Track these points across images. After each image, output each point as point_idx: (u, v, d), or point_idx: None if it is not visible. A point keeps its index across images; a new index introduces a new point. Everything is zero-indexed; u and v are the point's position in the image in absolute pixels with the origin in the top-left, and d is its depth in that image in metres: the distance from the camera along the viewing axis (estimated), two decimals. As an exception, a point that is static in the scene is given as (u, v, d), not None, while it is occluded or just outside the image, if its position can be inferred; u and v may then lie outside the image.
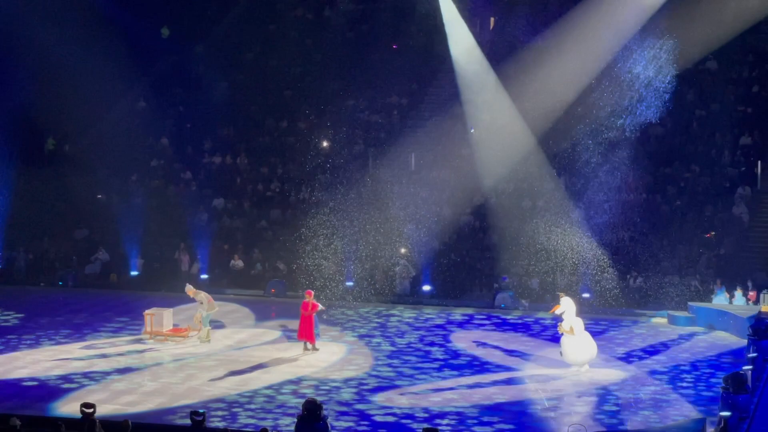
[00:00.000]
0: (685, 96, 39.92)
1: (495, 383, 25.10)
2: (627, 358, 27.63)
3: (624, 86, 37.93)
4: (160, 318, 28.95)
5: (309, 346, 27.55)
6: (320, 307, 27.79)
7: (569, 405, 23.44)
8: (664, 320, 32.16)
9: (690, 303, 32.47)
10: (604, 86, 38.35)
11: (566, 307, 25.90)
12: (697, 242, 35.92)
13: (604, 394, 24.25)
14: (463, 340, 29.68)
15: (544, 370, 26.24)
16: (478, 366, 26.72)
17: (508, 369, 26.47)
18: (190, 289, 28.96)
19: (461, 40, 41.03)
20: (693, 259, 35.46)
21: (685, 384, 25.18)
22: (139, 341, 28.88)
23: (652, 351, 28.51)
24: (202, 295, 28.81)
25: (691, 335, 30.49)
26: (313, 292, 28.10)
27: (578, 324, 25.77)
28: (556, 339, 29.73)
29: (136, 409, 22.27)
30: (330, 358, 27.28)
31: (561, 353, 26.05)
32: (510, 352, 28.20)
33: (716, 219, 36.65)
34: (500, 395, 24.10)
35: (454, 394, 24.20)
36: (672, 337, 30.17)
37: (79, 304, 34.14)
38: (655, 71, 37.80)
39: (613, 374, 25.92)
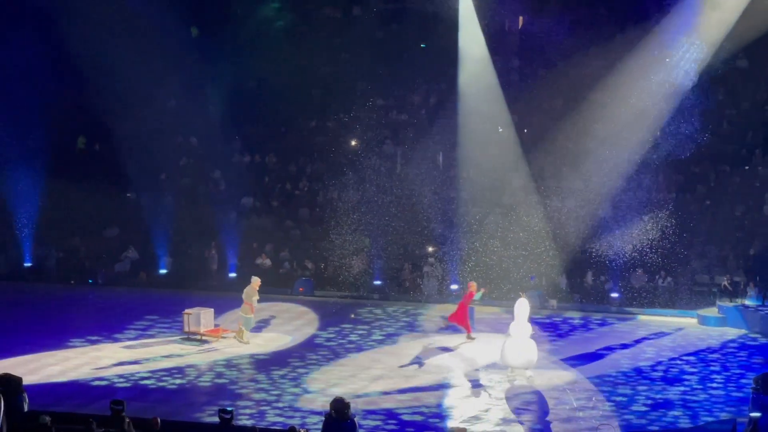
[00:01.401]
0: (715, 95, 39.64)
1: (523, 383, 25.01)
2: (656, 357, 27.51)
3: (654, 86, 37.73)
4: (197, 317, 28.80)
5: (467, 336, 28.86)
6: (476, 295, 28.84)
7: (597, 404, 23.34)
8: (661, 318, 32.10)
9: (720, 303, 32.31)
10: (636, 85, 38.16)
11: (524, 309, 25.54)
12: (727, 242, 35.70)
13: (633, 395, 24.14)
14: (490, 339, 29.59)
15: (571, 370, 26.15)
16: (504, 365, 26.62)
17: (537, 367, 26.38)
18: (257, 282, 28.74)
19: (473, 40, 40.76)
20: (723, 259, 35.26)
21: (714, 384, 25.04)
22: (188, 340, 28.80)
23: (681, 351, 28.36)
24: (256, 298, 28.59)
25: (722, 335, 30.33)
26: (475, 284, 29.15)
27: (527, 329, 25.28)
28: (585, 339, 29.75)
29: (165, 407, 22.32)
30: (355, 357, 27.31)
31: (501, 355, 25.51)
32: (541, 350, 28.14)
33: (746, 219, 36.42)
34: (528, 395, 24.02)
35: (480, 392, 24.14)
36: (701, 337, 30.01)
37: (124, 303, 34.25)
38: (685, 70, 37.57)
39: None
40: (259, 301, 28.70)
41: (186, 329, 28.94)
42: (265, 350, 28.03)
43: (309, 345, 28.68)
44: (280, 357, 27.29)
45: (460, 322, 28.92)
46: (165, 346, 28.34)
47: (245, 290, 28.64)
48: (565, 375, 25.77)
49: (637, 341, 29.25)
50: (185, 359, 27.06)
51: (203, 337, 28.66)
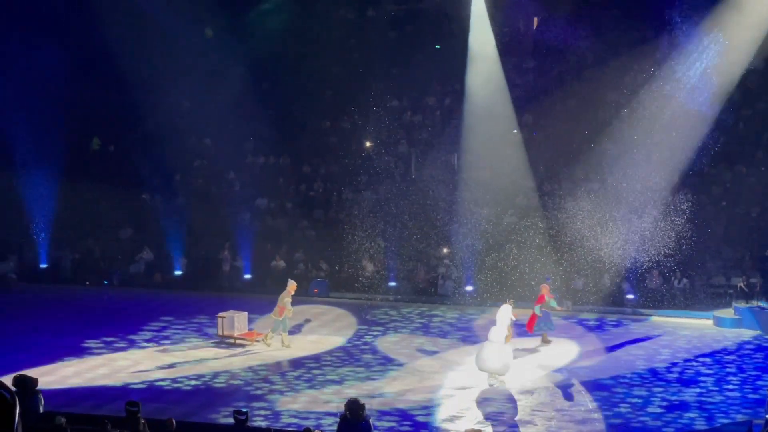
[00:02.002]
0: (731, 95, 39.49)
1: (538, 384, 24.95)
2: (671, 359, 27.44)
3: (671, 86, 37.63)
4: (231, 321, 28.46)
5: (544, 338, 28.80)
6: (546, 299, 28.56)
7: (612, 407, 23.28)
8: (677, 320, 32.02)
9: (735, 305, 32.21)
10: (653, 84, 38.10)
11: (506, 315, 25.74)
12: (742, 243, 35.58)
13: (648, 396, 24.07)
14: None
15: (585, 371, 26.10)
16: (521, 367, 26.59)
17: (553, 369, 26.35)
18: (293, 286, 28.27)
19: (484, 41, 40.67)
20: (738, 260, 35.15)
21: (730, 386, 24.94)
22: (220, 344, 28.61)
23: (697, 353, 28.29)
24: (287, 300, 28.06)
25: (738, 337, 30.25)
26: (548, 287, 29.15)
27: (504, 335, 25.50)
28: (600, 340, 29.68)
29: (180, 408, 22.34)
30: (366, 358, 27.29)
31: (476, 359, 25.39)
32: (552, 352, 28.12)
33: (762, 220, 36.30)
34: (544, 396, 23.97)
35: (495, 393, 24.11)
36: (717, 339, 29.92)
37: (139, 304, 34.33)
38: (701, 70, 37.46)
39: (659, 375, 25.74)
40: (292, 304, 28.07)
41: (220, 332, 28.63)
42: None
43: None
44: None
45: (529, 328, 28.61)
46: (202, 350, 28.07)
47: (281, 295, 28.12)
48: (581, 376, 25.73)
49: (653, 343, 29.14)
50: (233, 362, 26.85)
51: (237, 341, 28.36)
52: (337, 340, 29.39)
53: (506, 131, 39.83)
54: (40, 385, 18.15)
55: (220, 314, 28.81)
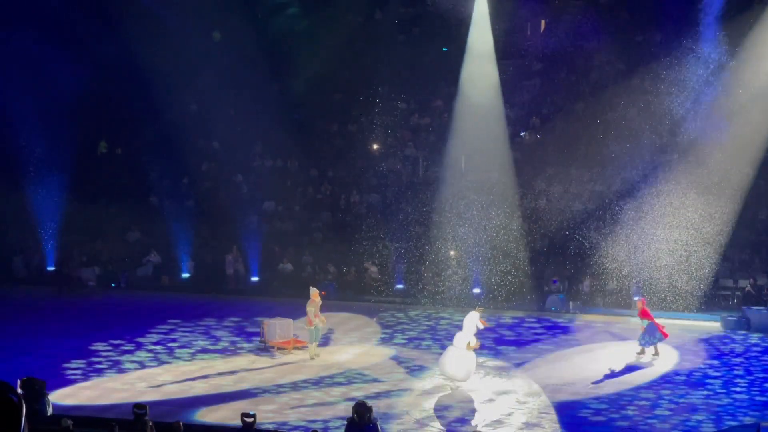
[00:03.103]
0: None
1: (545, 386, 24.94)
2: (679, 361, 27.42)
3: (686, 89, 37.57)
4: (273, 328, 27.87)
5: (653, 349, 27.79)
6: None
7: (619, 409, 23.25)
8: (684, 322, 32.00)
9: (744, 307, 32.15)
10: (658, 86, 38.06)
11: (472, 321, 25.08)
12: (750, 246, 35.52)
13: (656, 399, 24.04)
14: (513, 343, 29.57)
15: (593, 374, 26.08)
16: (528, 369, 26.57)
17: (561, 371, 26.34)
18: (314, 293, 27.43)
19: (482, 42, 40.62)
20: (746, 262, 35.08)
21: (738, 389, 24.91)
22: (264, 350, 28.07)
23: (704, 355, 28.26)
24: (311, 309, 27.13)
25: (745, 339, 30.21)
26: (643, 299, 28.56)
27: (468, 341, 24.74)
28: (606, 342, 29.67)
29: (187, 411, 22.34)
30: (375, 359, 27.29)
31: (440, 363, 25.13)
32: (563, 354, 28.11)
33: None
34: (551, 397, 23.96)
35: (503, 396, 24.10)
36: (725, 341, 29.88)
37: (147, 307, 34.37)
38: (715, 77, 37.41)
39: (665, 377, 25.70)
40: (314, 313, 26.99)
41: (262, 339, 28.18)
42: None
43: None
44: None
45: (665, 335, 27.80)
46: (251, 357, 27.57)
47: (307, 303, 27.29)
48: (590, 377, 25.72)
49: (660, 346, 29.08)
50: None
51: (277, 349, 27.74)
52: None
53: (497, 132, 39.53)
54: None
55: (264, 320, 28.32)
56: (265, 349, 27.90)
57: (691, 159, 36.64)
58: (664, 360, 27.46)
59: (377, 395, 23.71)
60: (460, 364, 24.47)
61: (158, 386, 24.68)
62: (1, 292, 36.19)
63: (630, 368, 26.76)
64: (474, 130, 39.13)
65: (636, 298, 29.75)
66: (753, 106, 36.80)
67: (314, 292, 27.46)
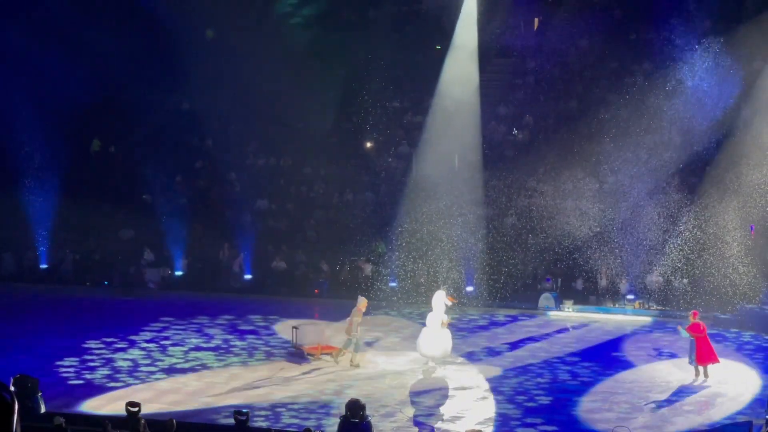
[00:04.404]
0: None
1: (538, 385, 24.97)
2: (672, 358, 27.44)
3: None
4: (303, 333, 27.19)
5: (703, 369, 24.98)
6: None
7: (612, 406, 23.26)
8: (677, 319, 31.97)
9: (738, 304, 32.20)
10: (652, 85, 38.12)
11: (440, 300, 25.85)
12: (743, 243, 35.52)
13: (649, 396, 24.06)
14: (505, 341, 29.60)
15: (584, 372, 26.12)
16: (520, 368, 26.60)
17: (552, 369, 26.37)
18: (363, 303, 26.62)
19: (466, 40, 40.61)
20: (739, 260, 35.07)
21: (730, 386, 24.92)
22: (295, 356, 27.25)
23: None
24: (357, 319, 26.34)
25: (738, 336, 30.26)
26: (699, 312, 25.97)
27: (441, 320, 25.66)
28: (601, 340, 29.72)
29: (180, 408, 22.31)
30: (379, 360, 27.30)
31: (417, 345, 25.93)
32: (554, 353, 28.13)
33: (765, 221, 36.20)
34: (543, 397, 23.99)
35: (497, 395, 24.13)
36: (717, 339, 29.88)
37: (140, 305, 34.28)
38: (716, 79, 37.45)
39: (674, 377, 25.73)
40: (359, 323, 26.27)
41: (294, 343, 27.56)
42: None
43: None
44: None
45: (712, 360, 25.06)
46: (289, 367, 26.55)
47: (352, 310, 26.52)
48: (581, 375, 25.76)
49: (653, 343, 29.14)
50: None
51: (307, 354, 26.99)
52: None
53: (472, 132, 39.49)
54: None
55: (294, 325, 27.80)
56: (298, 355, 27.07)
57: (686, 157, 36.73)
58: (656, 357, 27.49)
59: (370, 393, 23.70)
60: (436, 343, 25.60)
61: (150, 383, 24.61)
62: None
63: (623, 366, 26.79)
64: (451, 129, 39.08)
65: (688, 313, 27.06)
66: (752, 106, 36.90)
67: (363, 301, 26.69)
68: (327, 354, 26.82)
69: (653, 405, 23.21)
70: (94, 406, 21.63)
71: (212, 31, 46.07)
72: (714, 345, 25.62)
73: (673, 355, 27.59)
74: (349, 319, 26.38)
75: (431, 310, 26.00)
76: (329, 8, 46.19)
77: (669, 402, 23.48)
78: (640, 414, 22.58)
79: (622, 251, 34.37)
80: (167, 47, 41.75)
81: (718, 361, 24.91)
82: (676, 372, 25.86)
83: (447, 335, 25.78)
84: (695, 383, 24.73)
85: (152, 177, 41.02)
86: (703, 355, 24.82)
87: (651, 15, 40.91)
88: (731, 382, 24.97)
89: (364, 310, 26.58)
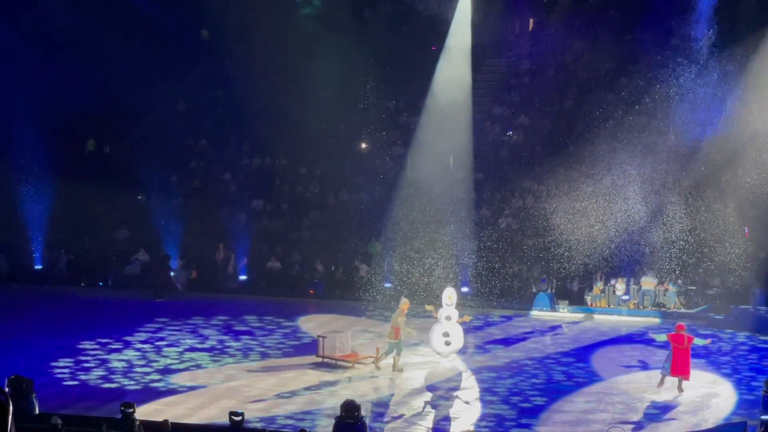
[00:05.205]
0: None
1: (534, 386, 24.99)
2: (666, 360, 27.40)
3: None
4: (332, 342, 26.49)
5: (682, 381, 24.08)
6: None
7: (607, 407, 23.28)
8: (672, 320, 32.03)
9: (731, 306, 32.24)
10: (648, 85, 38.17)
11: (455, 297, 27.13)
12: (737, 245, 35.55)
13: (643, 396, 24.08)
14: (500, 342, 29.61)
15: (578, 372, 26.14)
16: (516, 368, 26.62)
17: (547, 370, 26.40)
18: (406, 304, 26.29)
19: (461, 41, 40.62)
20: (733, 262, 35.12)
21: (726, 387, 24.96)
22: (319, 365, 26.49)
23: (692, 354, 28.24)
24: (402, 319, 25.93)
25: (732, 338, 30.30)
26: (685, 325, 24.96)
27: (454, 315, 26.98)
28: (596, 341, 29.73)
29: (177, 410, 22.29)
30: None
31: (447, 343, 26.82)
32: (551, 354, 28.15)
33: (758, 222, 36.25)
34: (538, 397, 24.00)
35: (491, 395, 24.14)
36: (712, 340, 29.92)
37: (134, 305, 34.22)
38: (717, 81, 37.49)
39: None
40: (403, 324, 25.92)
41: (320, 353, 26.58)
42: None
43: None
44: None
45: (685, 373, 24.12)
46: (306, 373, 25.98)
47: (394, 314, 26.13)
48: (575, 375, 25.77)
49: (648, 343, 29.16)
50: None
51: (338, 363, 26.29)
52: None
53: (466, 132, 39.52)
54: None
55: (321, 334, 27.07)
56: (329, 365, 26.38)
57: (681, 158, 36.75)
58: (650, 358, 27.52)
59: (365, 394, 23.71)
60: (450, 338, 26.83)
61: (145, 384, 24.56)
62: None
63: (617, 366, 26.81)
64: (446, 129, 39.09)
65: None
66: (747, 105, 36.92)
67: (405, 302, 26.37)
68: (361, 363, 26.19)
69: (648, 405, 23.24)
70: (148, 411, 21.17)
71: (207, 32, 46.02)
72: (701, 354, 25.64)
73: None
74: (390, 324, 25.95)
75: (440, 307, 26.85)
76: (329, 6, 46.14)
77: (664, 403, 23.49)
78: (635, 414, 22.60)
79: (618, 252, 34.37)
80: (163, 48, 41.69)
81: (688, 378, 23.97)
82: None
83: (459, 330, 26.91)
84: (659, 390, 24.03)
85: (147, 177, 40.97)
86: (677, 367, 23.93)
87: (646, 15, 40.90)
88: (724, 384, 25.04)
89: (406, 311, 26.17)
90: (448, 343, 26.82)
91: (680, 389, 23.94)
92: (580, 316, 33.42)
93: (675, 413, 22.82)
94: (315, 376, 25.44)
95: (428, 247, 36.32)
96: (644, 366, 26.87)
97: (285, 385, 24.61)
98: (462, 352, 27.66)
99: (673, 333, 24.31)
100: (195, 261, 38.15)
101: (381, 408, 22.83)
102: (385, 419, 22.00)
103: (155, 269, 37.06)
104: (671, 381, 24.09)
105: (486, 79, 43.25)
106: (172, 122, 43.37)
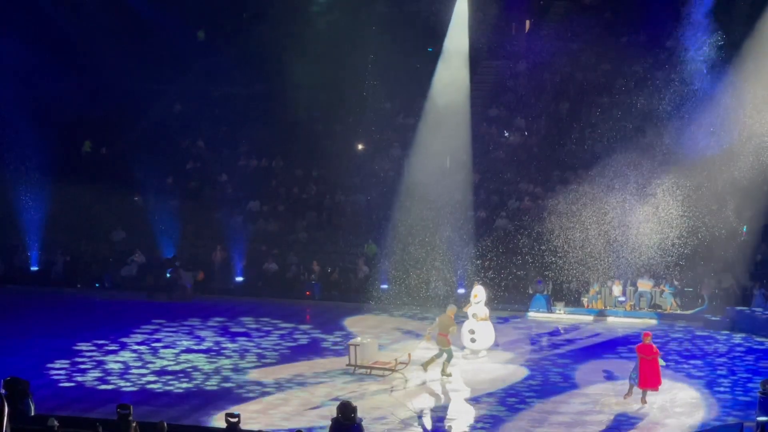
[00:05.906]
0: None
1: (530, 387, 25.00)
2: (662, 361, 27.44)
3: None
4: (364, 349, 25.93)
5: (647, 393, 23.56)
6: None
7: (602, 408, 23.28)
8: (667, 322, 31.99)
9: (727, 307, 32.26)
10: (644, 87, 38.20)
11: (482, 295, 27.74)
12: (734, 247, 35.58)
13: (639, 398, 24.08)
14: (496, 343, 29.58)
15: (580, 374, 26.15)
16: (512, 369, 26.62)
17: (543, 371, 26.41)
18: (453, 310, 26.01)
19: (458, 43, 40.61)
20: (730, 264, 35.13)
21: (722, 389, 24.99)
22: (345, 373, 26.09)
23: (688, 355, 28.33)
24: (454, 328, 25.80)
25: (728, 339, 30.32)
26: (651, 334, 24.22)
27: (484, 312, 27.79)
28: (590, 342, 29.73)
29: (172, 411, 22.26)
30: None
31: (472, 340, 27.57)
32: (545, 355, 28.17)
33: (754, 221, 36.28)
34: (534, 399, 24.01)
35: (490, 397, 24.15)
36: (708, 341, 29.97)
37: (131, 307, 34.19)
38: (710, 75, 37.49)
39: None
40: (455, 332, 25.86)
41: (351, 362, 26.01)
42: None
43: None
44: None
45: (654, 385, 23.59)
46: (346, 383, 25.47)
47: (440, 320, 25.72)
48: (572, 377, 25.78)
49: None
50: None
51: (371, 371, 25.73)
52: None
53: (463, 134, 39.52)
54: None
55: (351, 342, 26.38)
56: (360, 373, 25.94)
57: (678, 160, 36.74)
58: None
59: (362, 395, 23.71)
60: (490, 335, 27.84)
61: (141, 386, 24.54)
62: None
63: (614, 367, 26.81)
64: (443, 131, 39.06)
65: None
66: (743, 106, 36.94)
67: (452, 308, 26.10)
68: (398, 369, 25.69)
69: (644, 407, 23.24)
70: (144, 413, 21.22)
71: (203, 33, 46.00)
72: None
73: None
74: (438, 330, 25.53)
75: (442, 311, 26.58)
76: (319, 11, 46.12)
77: (660, 404, 23.50)
78: (632, 415, 22.61)
79: (614, 253, 34.35)
80: (159, 49, 41.67)
81: (656, 389, 23.49)
82: (666, 374, 25.85)
83: (490, 327, 27.82)
84: (625, 400, 23.50)
85: (143, 178, 40.92)
86: (646, 379, 23.28)
87: (642, 17, 40.93)
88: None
89: (453, 316, 25.81)
90: (473, 341, 27.61)
91: (644, 401, 23.36)
92: (579, 317, 33.38)
93: (671, 414, 22.84)
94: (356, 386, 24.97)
95: (425, 249, 36.31)
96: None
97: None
98: (495, 346, 28.39)
99: (640, 344, 23.67)
100: (191, 263, 38.11)
101: (378, 409, 22.80)
102: (382, 421, 21.99)
103: (172, 272, 36.87)
104: (639, 391, 23.56)
105: (482, 81, 43.22)
106: (168, 124, 43.33)
